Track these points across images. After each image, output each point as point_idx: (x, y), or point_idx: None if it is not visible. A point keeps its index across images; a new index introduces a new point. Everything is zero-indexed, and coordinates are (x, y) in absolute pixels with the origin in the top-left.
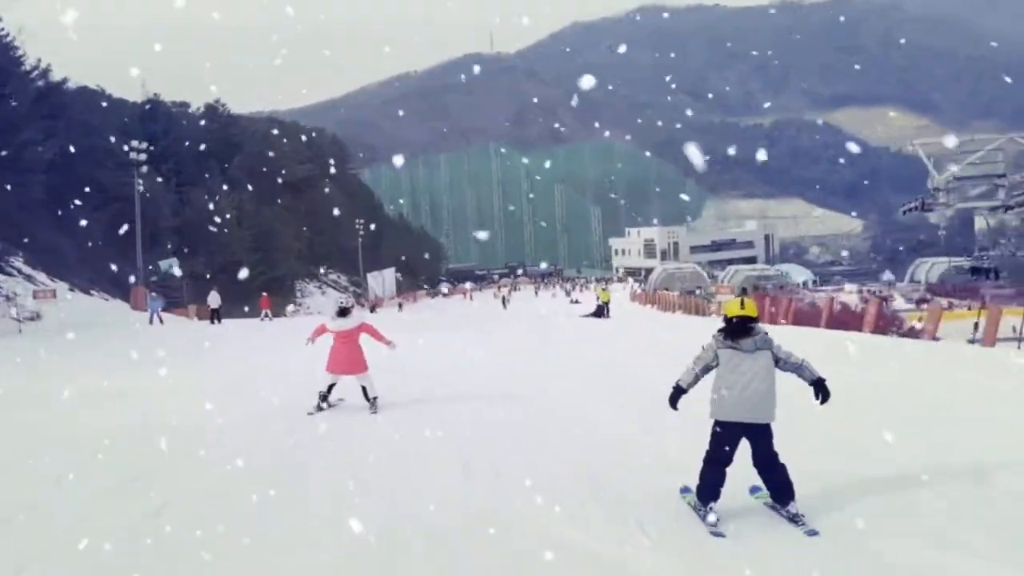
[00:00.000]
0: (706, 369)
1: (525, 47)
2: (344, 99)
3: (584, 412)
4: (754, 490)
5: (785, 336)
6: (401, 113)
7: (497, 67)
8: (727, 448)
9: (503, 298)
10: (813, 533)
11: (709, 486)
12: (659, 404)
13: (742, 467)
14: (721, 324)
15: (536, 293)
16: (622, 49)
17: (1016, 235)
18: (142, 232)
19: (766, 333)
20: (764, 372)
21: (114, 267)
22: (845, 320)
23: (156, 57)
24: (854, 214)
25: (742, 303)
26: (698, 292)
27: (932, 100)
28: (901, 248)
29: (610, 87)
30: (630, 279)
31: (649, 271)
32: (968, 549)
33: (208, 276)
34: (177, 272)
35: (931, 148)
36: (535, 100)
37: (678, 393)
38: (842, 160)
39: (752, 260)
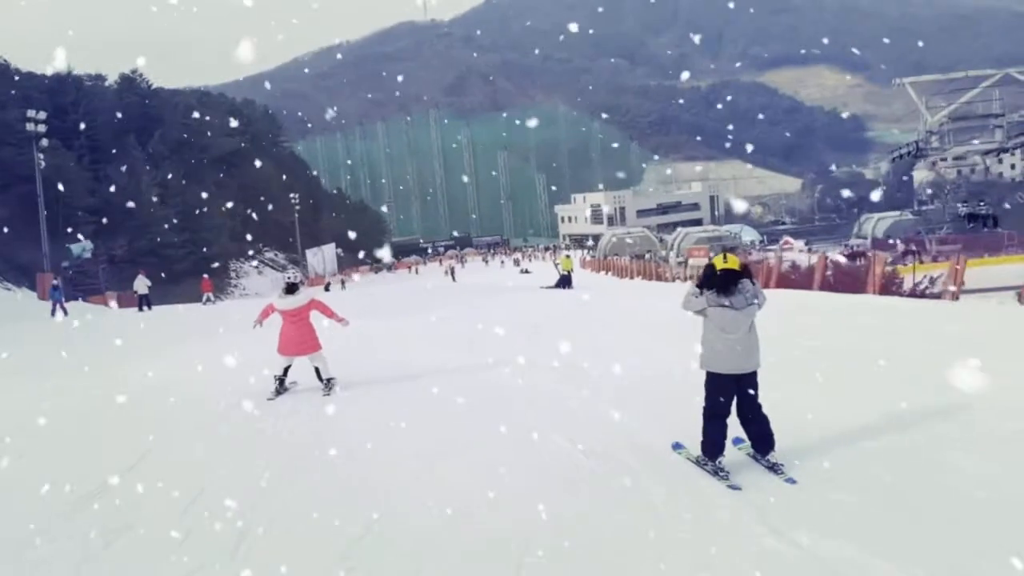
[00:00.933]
0: (699, 311)
1: (459, 14)
2: (275, 72)
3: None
4: (736, 441)
5: (778, 302)
6: (335, 84)
7: (432, 34)
8: (723, 400)
9: (451, 270)
10: (791, 481)
11: (713, 442)
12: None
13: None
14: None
15: (486, 263)
16: (559, 15)
17: (945, 188)
18: (54, 214)
19: (754, 285)
20: (752, 326)
21: (22, 254)
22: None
23: (75, 31)
24: (792, 173)
25: (725, 257)
26: (648, 256)
27: (864, 59)
28: (841, 204)
29: (548, 52)
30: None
31: (597, 237)
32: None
33: (132, 260)
34: (90, 256)
35: (923, 87)
36: (473, 67)
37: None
38: (779, 120)
39: (698, 222)
